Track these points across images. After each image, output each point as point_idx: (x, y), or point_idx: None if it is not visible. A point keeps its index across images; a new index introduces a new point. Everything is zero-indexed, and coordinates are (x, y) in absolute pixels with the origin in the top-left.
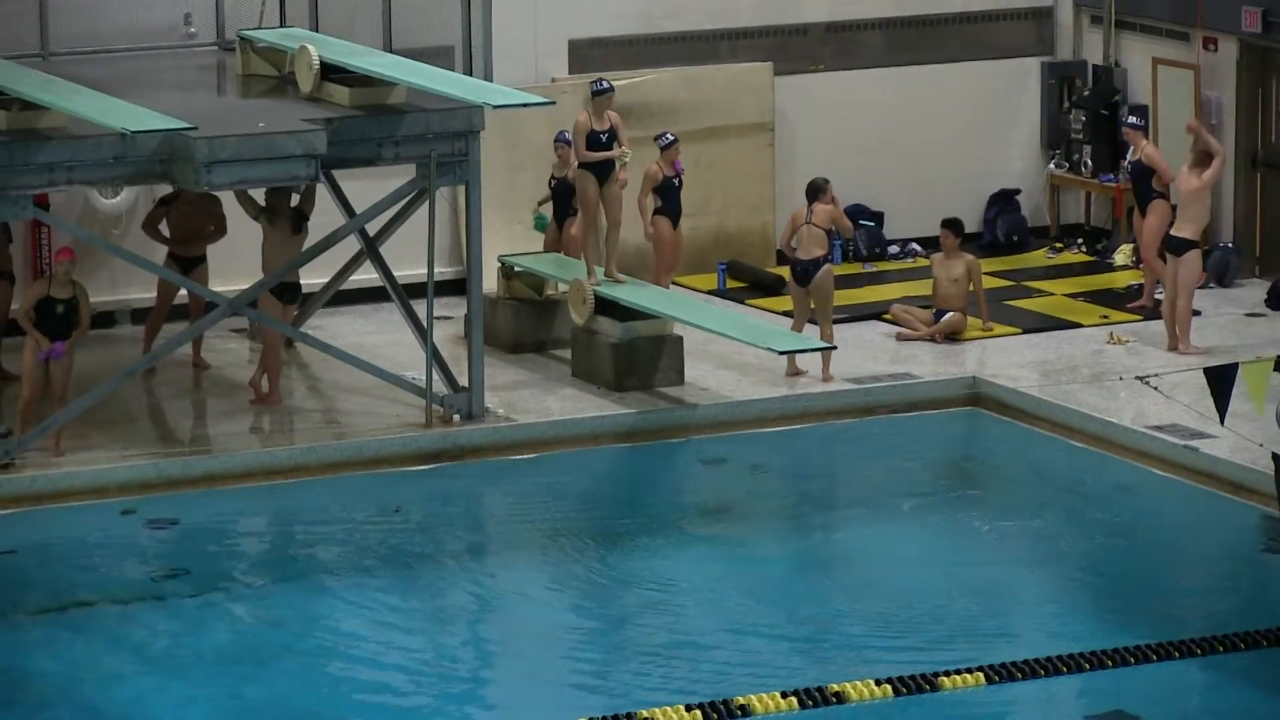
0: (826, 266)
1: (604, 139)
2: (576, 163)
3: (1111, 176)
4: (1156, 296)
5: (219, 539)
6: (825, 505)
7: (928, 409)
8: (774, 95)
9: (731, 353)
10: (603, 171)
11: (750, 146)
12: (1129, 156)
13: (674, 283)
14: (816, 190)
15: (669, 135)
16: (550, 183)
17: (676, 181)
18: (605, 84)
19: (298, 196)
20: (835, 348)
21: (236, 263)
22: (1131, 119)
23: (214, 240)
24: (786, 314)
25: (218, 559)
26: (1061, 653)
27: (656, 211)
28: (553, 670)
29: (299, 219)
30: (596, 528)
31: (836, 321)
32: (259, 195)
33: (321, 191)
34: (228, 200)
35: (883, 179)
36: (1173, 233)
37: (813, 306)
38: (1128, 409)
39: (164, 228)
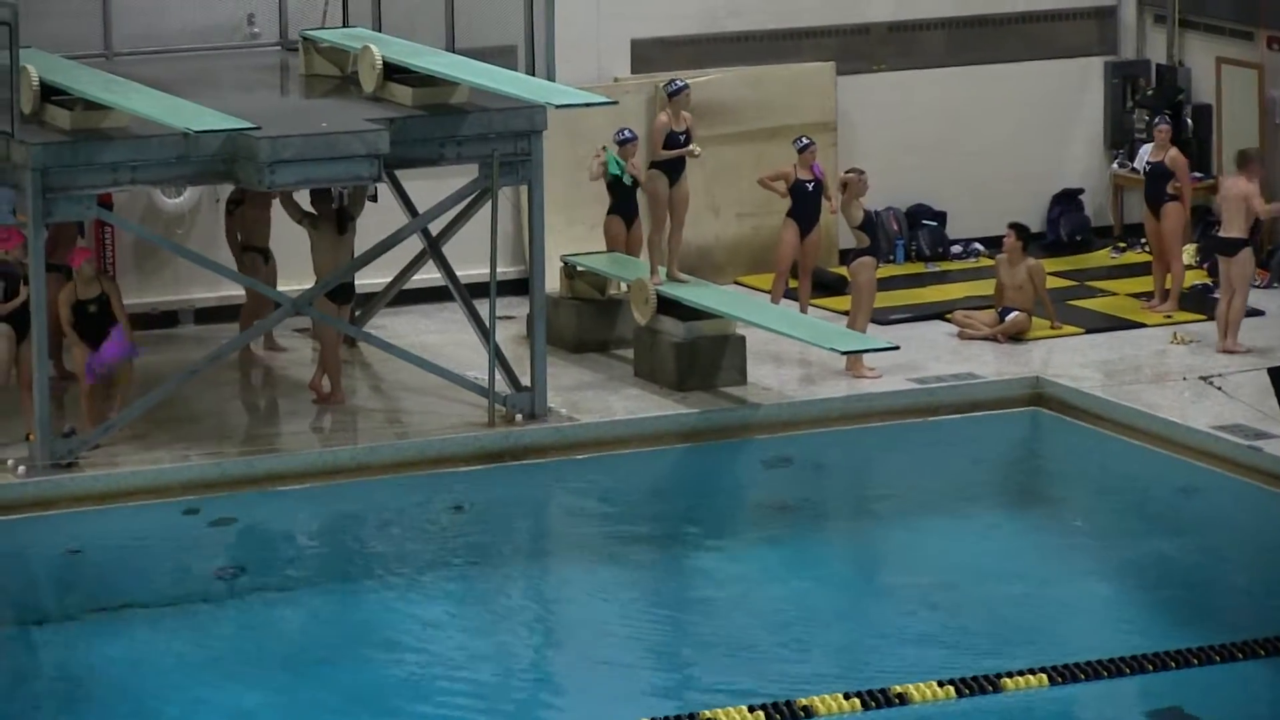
0: (860, 260)
1: (682, 139)
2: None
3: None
4: (1215, 295)
5: (281, 539)
6: (887, 506)
7: (990, 409)
8: (836, 95)
9: (794, 352)
10: (675, 171)
11: None
12: (1148, 155)
13: (737, 282)
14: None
15: (804, 139)
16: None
17: (811, 186)
18: (681, 83)
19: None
20: (898, 348)
21: (297, 262)
22: (1165, 119)
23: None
24: (846, 313)
25: (279, 559)
26: (1124, 653)
27: (787, 215)
28: (614, 670)
29: (344, 220)
30: (658, 528)
31: (899, 321)
32: (301, 200)
33: (384, 191)
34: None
35: (945, 179)
36: (1221, 234)
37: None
38: (1191, 409)
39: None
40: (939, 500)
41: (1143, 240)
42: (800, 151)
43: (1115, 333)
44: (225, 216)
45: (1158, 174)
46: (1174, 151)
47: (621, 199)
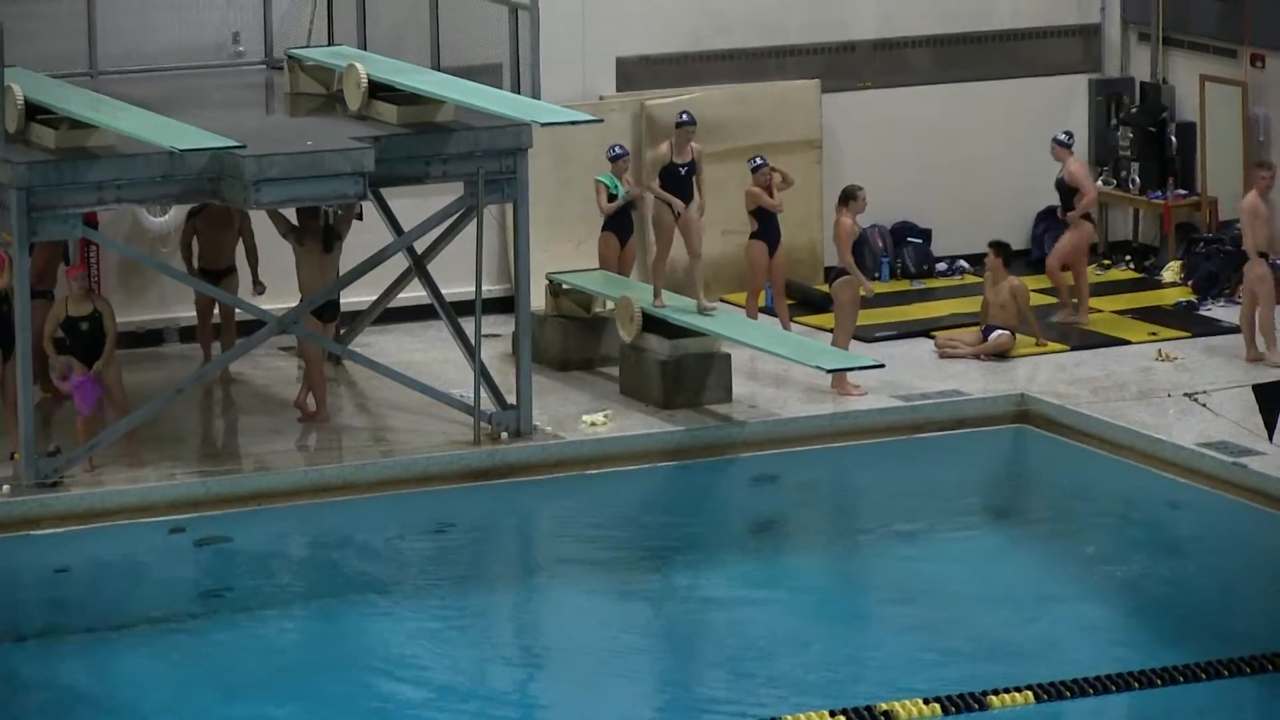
0: (842, 278)
1: (683, 171)
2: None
3: (1159, 193)
4: (1200, 313)
5: (267, 557)
6: (873, 523)
7: (976, 426)
8: (822, 112)
9: (779, 370)
10: (678, 199)
11: (798, 163)
12: (1058, 172)
13: (722, 299)
14: (841, 199)
15: (758, 159)
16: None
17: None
18: (687, 117)
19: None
20: (883, 365)
21: (283, 281)
22: (1060, 136)
23: (247, 240)
24: (831, 331)
25: (266, 577)
26: (1110, 671)
27: (752, 235)
28: (599, 689)
29: (330, 238)
30: (644, 546)
31: (885, 339)
32: (290, 214)
33: (369, 209)
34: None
35: (930, 196)
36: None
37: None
38: (1176, 426)
39: (194, 244)
40: (925, 517)
41: (1127, 258)
42: (754, 171)
43: (1100, 349)
44: (183, 224)
45: (1064, 189)
46: (1074, 165)
47: (615, 216)
